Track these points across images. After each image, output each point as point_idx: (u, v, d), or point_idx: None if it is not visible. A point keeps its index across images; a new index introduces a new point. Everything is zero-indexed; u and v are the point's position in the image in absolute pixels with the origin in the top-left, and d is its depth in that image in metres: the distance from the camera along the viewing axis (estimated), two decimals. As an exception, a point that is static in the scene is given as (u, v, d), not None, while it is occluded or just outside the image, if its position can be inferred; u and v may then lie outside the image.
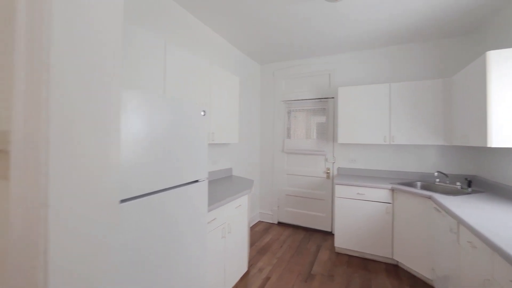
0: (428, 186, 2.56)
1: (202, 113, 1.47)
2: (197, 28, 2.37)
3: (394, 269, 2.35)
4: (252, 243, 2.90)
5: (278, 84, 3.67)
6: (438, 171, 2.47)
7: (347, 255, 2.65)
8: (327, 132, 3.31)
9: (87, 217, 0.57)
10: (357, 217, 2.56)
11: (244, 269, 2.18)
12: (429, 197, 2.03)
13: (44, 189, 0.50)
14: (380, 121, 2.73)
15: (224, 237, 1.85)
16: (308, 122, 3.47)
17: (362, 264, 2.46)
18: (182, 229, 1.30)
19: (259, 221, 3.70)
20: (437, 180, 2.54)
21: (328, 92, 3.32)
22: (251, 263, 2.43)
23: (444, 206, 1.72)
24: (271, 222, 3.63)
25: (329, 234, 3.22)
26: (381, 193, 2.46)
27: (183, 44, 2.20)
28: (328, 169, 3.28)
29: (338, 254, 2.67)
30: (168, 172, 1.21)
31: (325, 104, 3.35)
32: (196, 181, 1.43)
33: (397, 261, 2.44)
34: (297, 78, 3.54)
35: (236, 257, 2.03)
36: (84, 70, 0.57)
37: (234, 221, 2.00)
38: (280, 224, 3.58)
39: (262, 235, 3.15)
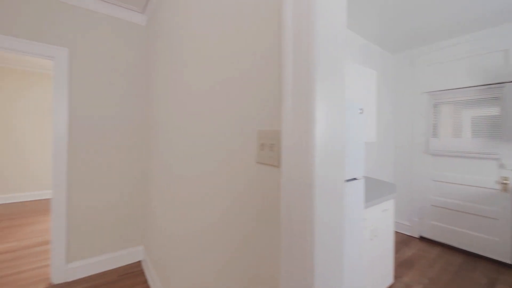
0: None
1: (359, 111, 1.48)
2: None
3: None
4: (388, 254, 2.61)
5: (419, 73, 3.10)
6: None
7: (551, 302, 1.87)
8: (503, 128, 2.47)
9: (331, 191, 0.70)
10: None
11: (389, 280, 1.99)
12: None
13: (311, 175, 0.66)
14: None
15: (372, 240, 1.77)
16: (467, 117, 2.72)
17: None
18: (348, 220, 1.36)
19: (394, 231, 3.27)
20: None
21: (504, 75, 2.47)
22: (396, 276, 2.19)
23: None
24: (409, 234, 3.12)
25: (507, 266, 2.38)
26: None
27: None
28: (506, 178, 2.43)
29: (532, 297, 1.93)
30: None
31: (497, 91, 2.52)
32: (355, 178, 1.45)
33: None
34: (448, 63, 2.86)
35: (381, 264, 1.89)
36: (327, 84, 0.70)
37: (381, 225, 1.87)
38: (422, 239, 3.01)
39: (401, 247, 2.77)
